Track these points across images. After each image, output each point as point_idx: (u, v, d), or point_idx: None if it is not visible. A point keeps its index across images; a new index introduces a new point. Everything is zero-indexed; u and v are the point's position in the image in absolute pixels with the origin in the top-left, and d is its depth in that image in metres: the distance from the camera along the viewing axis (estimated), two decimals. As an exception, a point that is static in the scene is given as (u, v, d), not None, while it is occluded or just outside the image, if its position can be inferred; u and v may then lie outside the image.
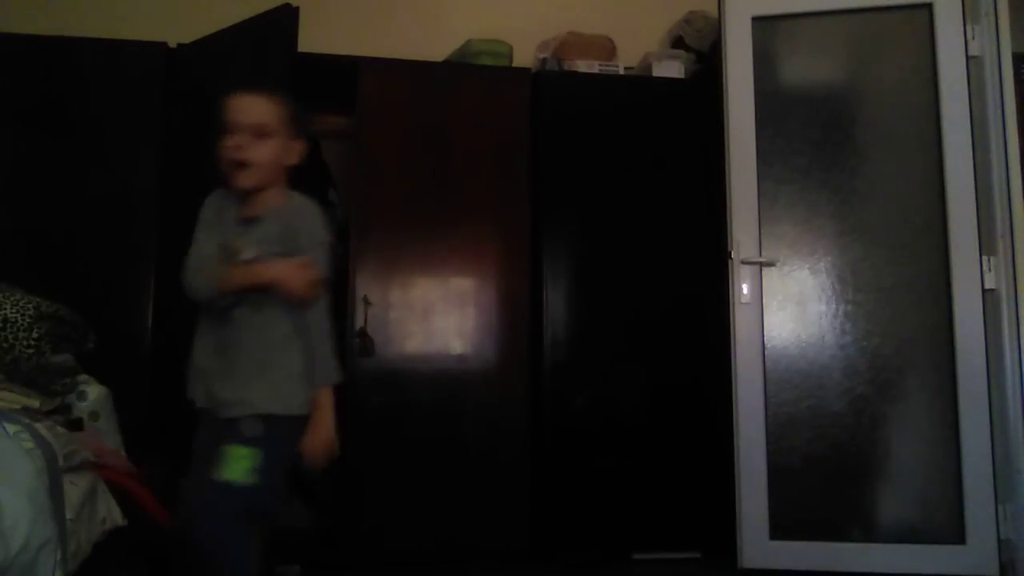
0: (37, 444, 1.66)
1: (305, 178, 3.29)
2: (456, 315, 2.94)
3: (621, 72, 3.21)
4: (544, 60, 3.20)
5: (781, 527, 2.63)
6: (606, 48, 3.29)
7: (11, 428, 1.65)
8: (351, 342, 2.85)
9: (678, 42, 3.38)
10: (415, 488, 2.84)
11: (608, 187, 3.06)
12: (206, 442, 1.77)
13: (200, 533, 1.63)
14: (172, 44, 2.95)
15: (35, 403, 2.02)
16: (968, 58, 2.68)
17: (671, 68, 3.21)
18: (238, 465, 1.65)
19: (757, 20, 2.84)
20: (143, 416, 2.64)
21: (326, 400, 1.76)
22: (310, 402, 1.74)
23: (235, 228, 1.80)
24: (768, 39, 2.86)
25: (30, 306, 2.07)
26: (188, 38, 2.96)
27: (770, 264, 2.76)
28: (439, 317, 2.93)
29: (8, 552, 1.47)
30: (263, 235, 1.77)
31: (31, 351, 2.03)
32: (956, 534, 2.54)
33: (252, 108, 1.76)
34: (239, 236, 1.78)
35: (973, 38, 2.70)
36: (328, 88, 3.05)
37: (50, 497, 1.61)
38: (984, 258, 2.62)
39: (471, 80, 3.09)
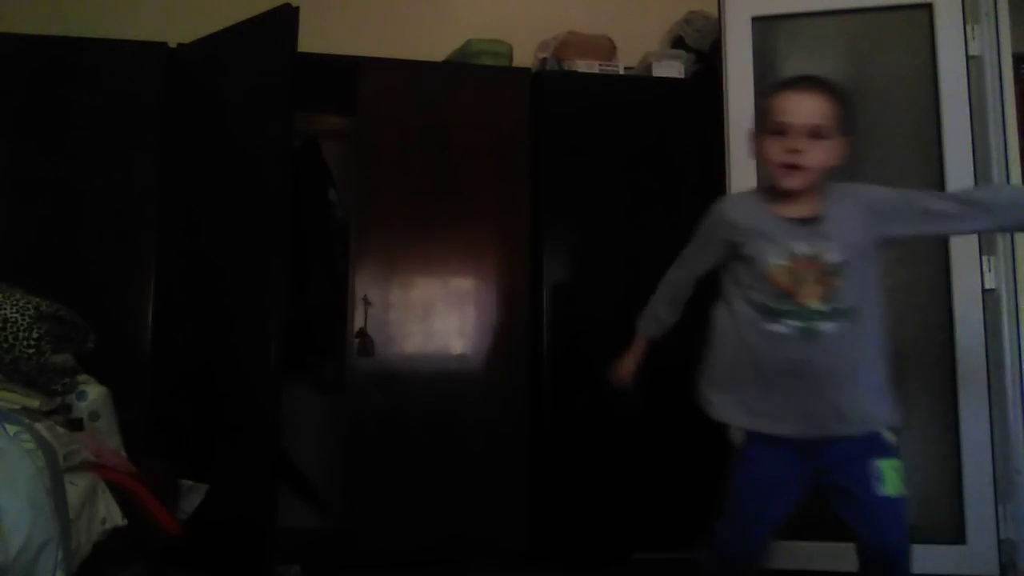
0: (38, 444, 1.66)
1: (305, 178, 3.31)
2: (456, 315, 2.94)
3: (621, 72, 3.21)
4: (544, 60, 3.20)
5: (781, 527, 2.62)
6: (606, 48, 3.29)
7: (11, 429, 1.65)
8: (351, 342, 2.85)
9: (678, 42, 3.38)
10: (415, 488, 2.84)
11: (608, 187, 3.07)
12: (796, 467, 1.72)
13: (901, 552, 1.69)
14: (172, 44, 2.95)
15: (35, 403, 2.02)
16: (968, 58, 2.68)
17: (671, 68, 3.21)
18: (897, 478, 1.68)
19: (757, 20, 2.84)
20: (143, 416, 2.64)
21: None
22: None
23: (791, 231, 1.69)
24: (768, 39, 2.85)
25: (30, 306, 2.07)
26: (188, 38, 2.96)
27: (770, 264, 2.75)
28: (439, 317, 2.93)
29: (8, 553, 1.47)
30: (837, 234, 1.68)
31: (31, 351, 2.03)
32: (956, 534, 2.54)
33: (809, 108, 1.67)
34: (804, 239, 1.68)
35: (973, 38, 2.70)
36: (328, 88, 3.06)
37: (51, 497, 1.61)
38: (984, 258, 2.61)
39: (471, 80, 3.09)
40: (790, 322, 1.65)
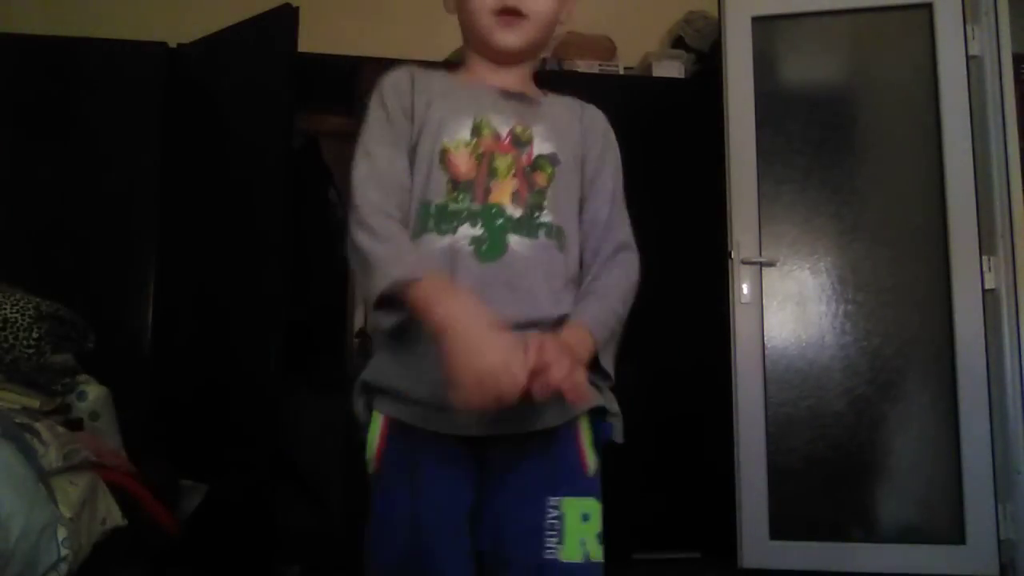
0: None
1: (305, 178, 3.31)
2: (456, 315, 2.94)
3: (621, 72, 3.21)
4: (544, 60, 3.20)
5: (781, 527, 2.62)
6: (606, 48, 3.29)
7: None
8: (351, 342, 2.85)
9: (678, 42, 3.38)
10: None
11: (608, 187, 3.06)
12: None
13: None
14: (172, 44, 2.95)
15: (35, 403, 2.02)
16: (968, 58, 2.68)
17: (671, 68, 3.21)
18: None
19: (757, 20, 2.84)
20: (143, 416, 2.64)
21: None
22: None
23: (494, 101, 1.15)
24: (768, 39, 2.85)
25: (30, 306, 2.07)
26: (188, 38, 2.96)
27: (770, 264, 2.75)
28: (439, 317, 2.93)
29: (8, 540, 1.47)
30: (552, 123, 1.16)
31: (31, 351, 2.03)
32: (956, 534, 2.54)
33: None
34: (508, 113, 1.14)
35: (973, 38, 2.70)
36: (328, 88, 3.06)
37: (42, 484, 1.61)
38: (984, 258, 2.61)
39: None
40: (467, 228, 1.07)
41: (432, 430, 1.02)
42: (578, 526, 1.01)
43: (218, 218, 2.82)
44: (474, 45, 1.19)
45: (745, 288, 2.74)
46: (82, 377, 2.25)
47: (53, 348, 2.10)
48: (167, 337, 2.80)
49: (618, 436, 1.12)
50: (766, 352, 2.72)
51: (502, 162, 1.10)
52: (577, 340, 1.02)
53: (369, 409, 1.08)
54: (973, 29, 2.70)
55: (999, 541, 2.51)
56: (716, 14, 2.94)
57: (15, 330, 2.01)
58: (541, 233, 1.09)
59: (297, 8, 2.69)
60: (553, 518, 1.01)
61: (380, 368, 1.07)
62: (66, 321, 2.17)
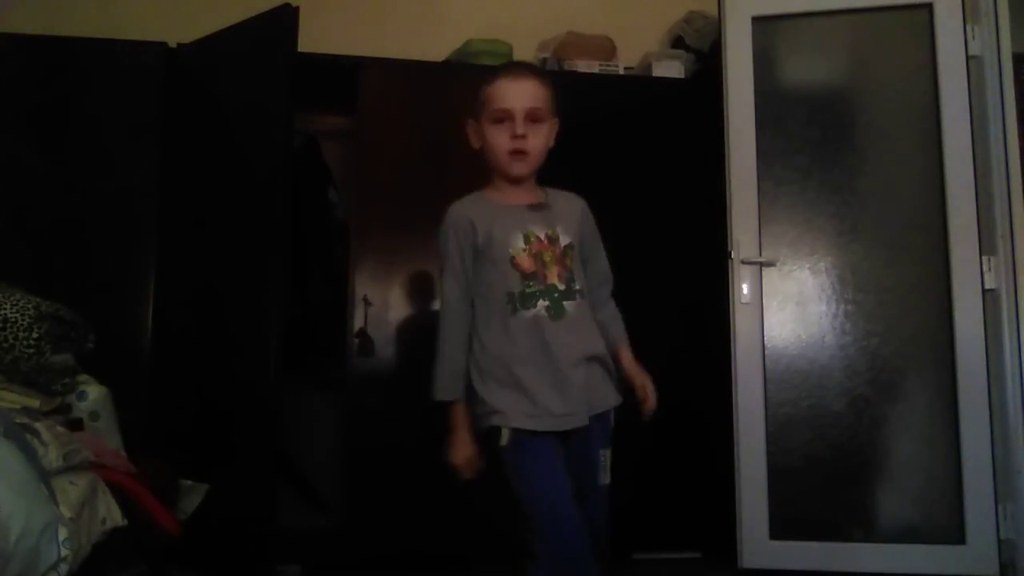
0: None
1: (305, 178, 3.31)
2: (456, 315, 2.94)
3: (621, 72, 3.21)
4: (544, 60, 3.20)
5: (781, 527, 2.63)
6: (606, 48, 3.29)
7: None
8: (351, 342, 2.85)
9: (678, 42, 3.38)
10: (415, 488, 2.84)
11: (607, 187, 3.06)
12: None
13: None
14: (172, 44, 2.95)
15: (35, 403, 2.02)
16: (968, 58, 2.69)
17: (671, 68, 3.21)
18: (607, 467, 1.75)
19: (757, 20, 2.84)
20: (143, 416, 2.64)
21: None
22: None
23: (527, 215, 1.73)
24: (768, 39, 2.86)
25: (30, 306, 2.07)
26: (188, 38, 2.96)
27: (770, 264, 2.76)
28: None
29: (8, 540, 1.47)
30: (564, 219, 1.75)
31: (31, 351, 2.03)
32: (956, 534, 2.54)
33: (526, 92, 1.72)
34: (539, 222, 1.72)
35: (973, 38, 2.70)
36: (328, 88, 3.05)
37: (43, 484, 1.61)
38: (984, 258, 2.62)
39: (471, 80, 3.07)
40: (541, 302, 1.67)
41: (543, 430, 1.65)
42: (607, 464, 1.73)
43: (218, 218, 2.82)
44: (497, 172, 1.78)
45: (745, 288, 2.74)
46: (82, 377, 2.24)
47: (53, 348, 2.10)
48: (167, 337, 2.80)
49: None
50: (766, 352, 2.72)
51: (547, 256, 1.69)
52: (637, 367, 1.85)
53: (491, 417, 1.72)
54: (973, 29, 2.70)
55: (999, 541, 2.51)
56: (716, 14, 2.95)
57: (15, 330, 2.02)
58: (577, 296, 1.70)
59: (297, 8, 2.69)
60: (603, 460, 1.72)
61: (496, 397, 1.71)
62: (66, 321, 2.17)
